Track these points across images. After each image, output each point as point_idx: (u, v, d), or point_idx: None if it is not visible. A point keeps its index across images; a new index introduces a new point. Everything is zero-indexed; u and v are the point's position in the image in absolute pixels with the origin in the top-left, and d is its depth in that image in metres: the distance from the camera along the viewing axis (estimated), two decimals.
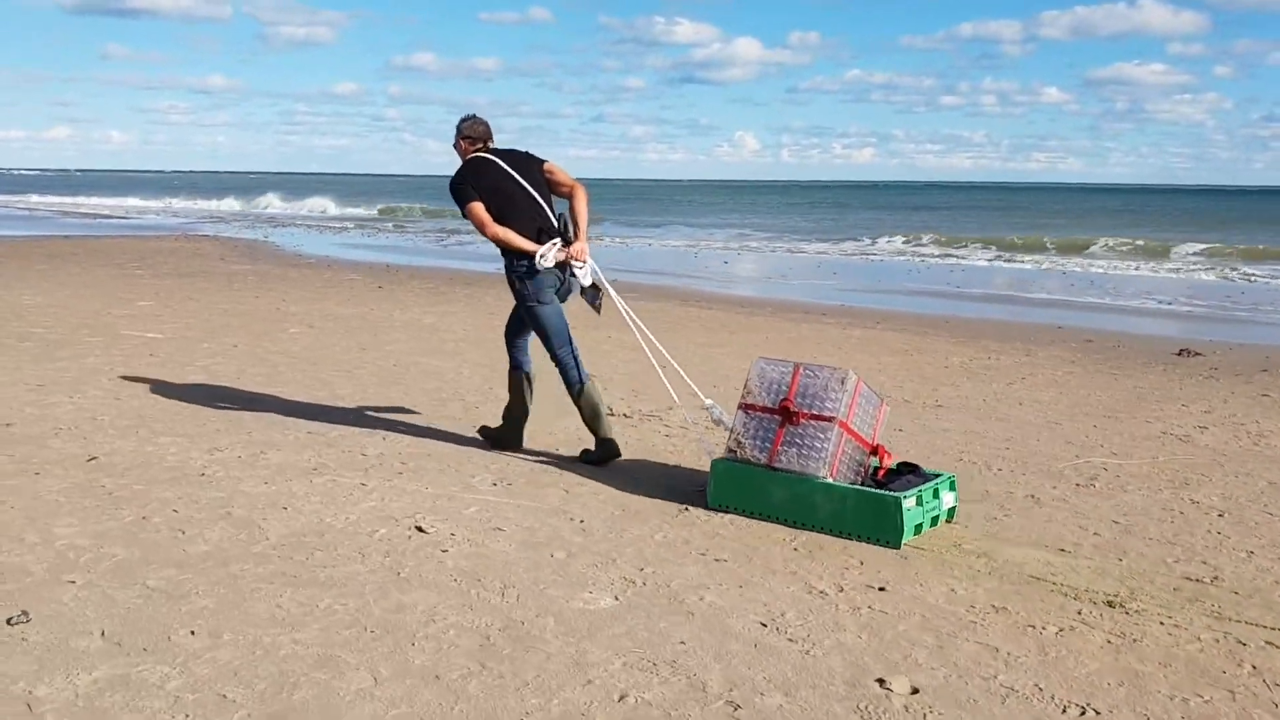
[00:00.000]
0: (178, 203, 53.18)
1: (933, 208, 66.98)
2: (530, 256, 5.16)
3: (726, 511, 4.69)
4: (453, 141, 5.49)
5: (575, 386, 5.37)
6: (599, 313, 5.46)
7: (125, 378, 7.55)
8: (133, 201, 53.14)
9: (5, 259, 17.87)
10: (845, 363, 9.13)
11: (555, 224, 5.27)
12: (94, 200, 51.89)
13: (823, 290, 16.94)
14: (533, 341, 5.57)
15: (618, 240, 31.06)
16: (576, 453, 5.62)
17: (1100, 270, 22.29)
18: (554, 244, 5.18)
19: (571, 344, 5.37)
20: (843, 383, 4.56)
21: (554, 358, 5.38)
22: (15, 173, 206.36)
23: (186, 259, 19.12)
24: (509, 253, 5.23)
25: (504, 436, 5.70)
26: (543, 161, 5.39)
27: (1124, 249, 27.93)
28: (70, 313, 11.05)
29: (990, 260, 24.79)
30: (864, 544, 4.33)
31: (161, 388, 7.21)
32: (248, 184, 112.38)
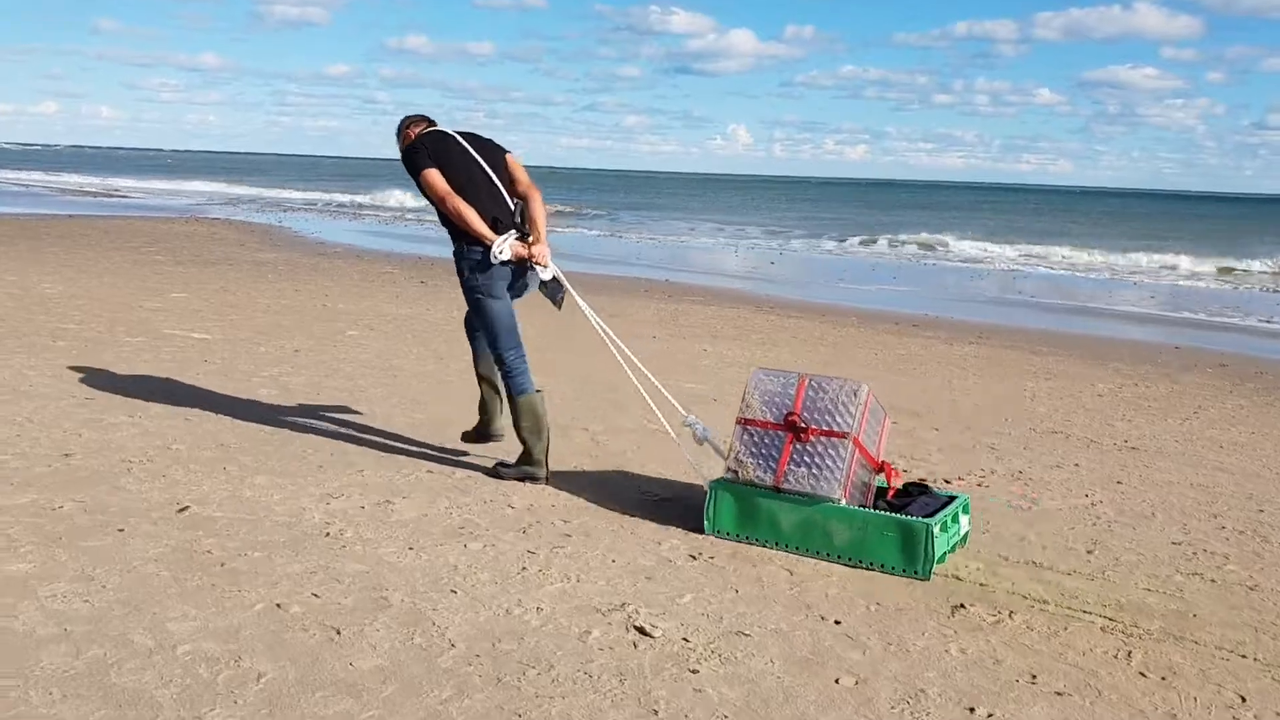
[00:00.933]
0: (179, 184, 51.91)
1: (954, 207, 66.05)
2: (485, 245, 4.69)
3: (725, 539, 4.24)
4: (398, 146, 5.01)
5: (521, 394, 4.85)
6: (559, 308, 4.94)
7: (187, 390, 6.53)
8: (128, 181, 51.82)
9: (13, 238, 16.76)
10: (996, 390, 8.16)
11: (514, 216, 4.81)
12: (94, 179, 50.52)
13: (897, 296, 15.95)
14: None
15: (649, 236, 30.01)
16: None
17: (1179, 282, 21.34)
18: (510, 235, 4.73)
19: (521, 347, 4.90)
20: (855, 395, 4.18)
21: (499, 359, 4.91)
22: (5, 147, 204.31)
23: (205, 244, 18.04)
24: (461, 237, 4.76)
25: (482, 431, 5.21)
26: (506, 151, 4.96)
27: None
28: (100, 305, 10.01)
29: (1049, 266, 23.74)
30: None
31: (232, 405, 6.19)
32: (242, 165, 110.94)
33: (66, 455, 4.94)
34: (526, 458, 4.91)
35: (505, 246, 4.69)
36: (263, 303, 10.90)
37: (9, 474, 4.59)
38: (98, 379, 6.67)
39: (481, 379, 5.12)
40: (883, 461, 4.29)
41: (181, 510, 4.28)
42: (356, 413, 6.21)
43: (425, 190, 4.78)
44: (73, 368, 6.96)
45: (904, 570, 3.92)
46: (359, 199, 42.44)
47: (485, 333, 4.92)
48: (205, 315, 9.78)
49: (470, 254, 4.75)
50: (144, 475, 4.72)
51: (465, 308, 5.02)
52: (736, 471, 4.27)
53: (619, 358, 5.01)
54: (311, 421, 5.91)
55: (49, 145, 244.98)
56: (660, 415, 4.91)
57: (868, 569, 3.97)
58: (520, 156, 5.01)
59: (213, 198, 38.86)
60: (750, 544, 4.21)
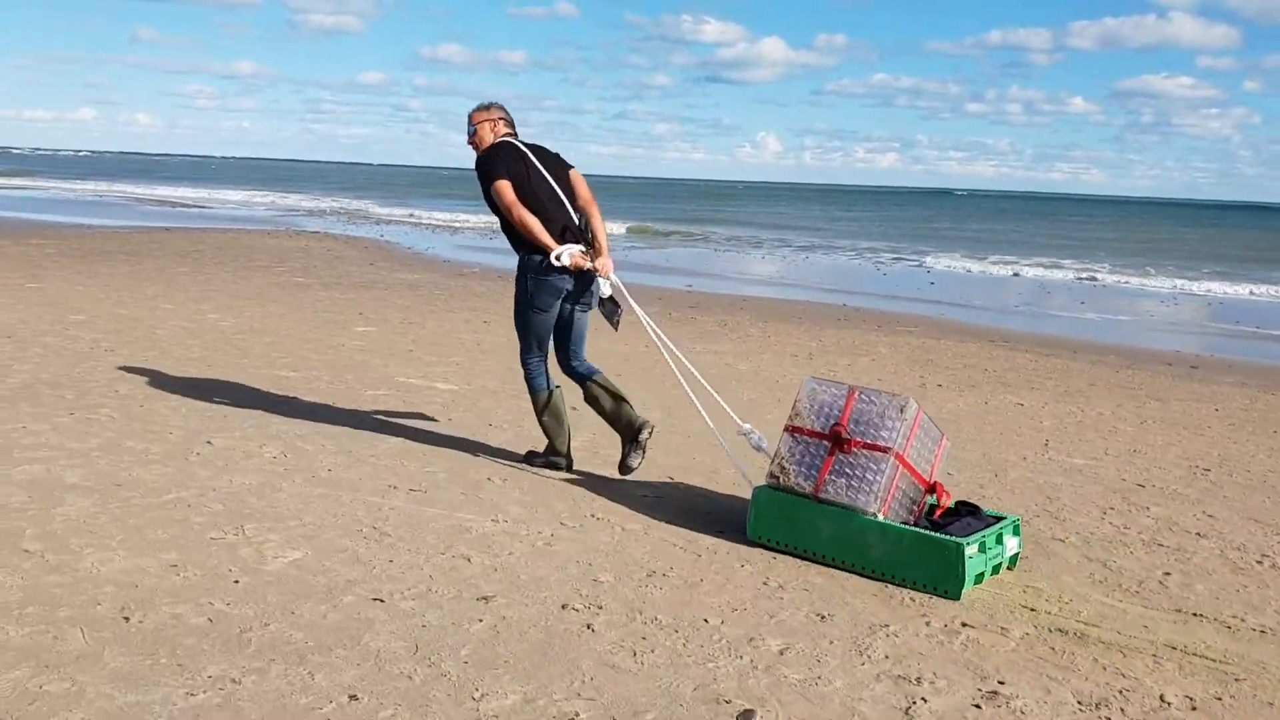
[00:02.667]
0: (242, 193, 51.31)
1: (1015, 217, 64.18)
2: (546, 254, 4.96)
3: (765, 546, 4.32)
4: (469, 132, 5.26)
5: (537, 394, 5.25)
6: (615, 328, 5.25)
7: (500, 465, 5.34)
8: (193, 191, 51.24)
9: (134, 256, 15.75)
10: None
11: (578, 229, 5.10)
12: (160, 190, 49.90)
13: (1117, 328, 14.53)
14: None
15: (771, 250, 28.71)
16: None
17: None
18: (572, 247, 5.00)
19: (543, 357, 5.26)
20: (902, 411, 4.21)
21: (523, 362, 5.29)
22: (43, 152, 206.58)
23: (333, 263, 16.94)
24: (525, 247, 5.07)
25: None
26: (570, 166, 5.24)
27: None
28: (293, 342, 8.88)
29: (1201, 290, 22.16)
30: None
31: (575, 498, 4.96)
32: (292, 173, 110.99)
33: (484, 599, 3.71)
34: (551, 449, 5.32)
35: (565, 254, 4.93)
36: (468, 339, 9.71)
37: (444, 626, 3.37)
38: (380, 452, 5.47)
39: (590, 398, 5.26)
40: (935, 481, 4.31)
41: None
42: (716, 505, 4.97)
43: (494, 199, 5.05)
44: (335, 431, 5.76)
45: (935, 589, 3.92)
46: (436, 214, 41.54)
47: (519, 337, 5.26)
48: (422, 356, 8.60)
49: (533, 264, 5.02)
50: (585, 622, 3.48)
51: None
52: (779, 477, 4.32)
53: (673, 366, 5.25)
54: (682, 523, 4.67)
55: (77, 151, 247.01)
56: (711, 425, 5.08)
57: (900, 585, 3.98)
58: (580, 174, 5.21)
59: (289, 210, 37.82)
60: (789, 552, 4.25)
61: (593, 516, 4.66)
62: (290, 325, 9.89)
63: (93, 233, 20.39)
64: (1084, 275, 23.85)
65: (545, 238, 4.95)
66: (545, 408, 5.26)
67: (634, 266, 20.56)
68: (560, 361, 5.30)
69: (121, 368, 7.33)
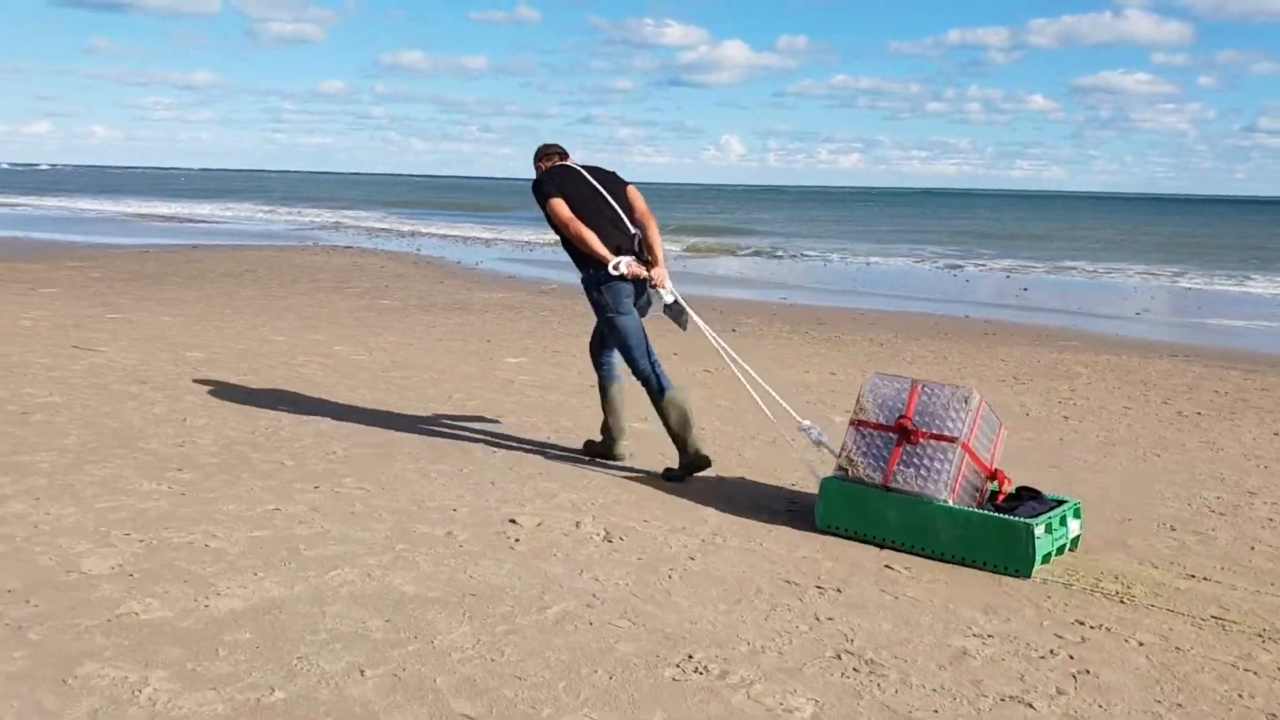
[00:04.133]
0: (229, 207, 50.02)
1: (999, 216, 63.85)
2: (604, 264, 5.18)
3: (834, 534, 4.49)
4: (534, 186, 5.47)
5: (659, 394, 5.33)
6: (684, 329, 5.49)
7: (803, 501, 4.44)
8: (179, 208, 49.91)
9: (187, 279, 14.69)
10: None
11: (634, 244, 5.32)
12: (145, 205, 48.52)
13: (1245, 334, 13.80)
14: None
15: (826, 257, 27.91)
16: None
17: None
18: (628, 257, 5.24)
19: (651, 354, 5.37)
20: (966, 401, 4.39)
21: (635, 370, 5.39)
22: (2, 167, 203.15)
23: (402, 282, 15.96)
24: (585, 263, 5.30)
25: (605, 452, 5.64)
26: (627, 183, 5.48)
27: None
28: (458, 379, 8.03)
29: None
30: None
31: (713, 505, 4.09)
32: (265, 184, 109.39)
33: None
34: (689, 455, 5.30)
35: (622, 263, 5.17)
36: None
37: None
38: (722, 522, 4.57)
39: (607, 403, 5.54)
40: (996, 469, 4.47)
41: None
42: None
43: (550, 218, 5.32)
44: (658, 505, 4.85)
45: (1005, 569, 4.09)
46: (458, 227, 40.46)
47: (620, 349, 5.39)
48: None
49: (596, 276, 5.25)
50: None
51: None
52: (847, 470, 4.50)
53: (735, 370, 5.40)
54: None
55: (33, 165, 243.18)
56: (776, 423, 5.39)
57: (970, 565, 4.15)
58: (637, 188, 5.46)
59: (302, 224, 36.55)
60: (859, 540, 4.41)
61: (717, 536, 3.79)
62: (433, 358, 8.95)
63: (121, 253, 19.27)
64: (1176, 275, 22.97)
65: (601, 249, 5.20)
66: (672, 410, 5.30)
67: (703, 279, 19.71)
68: (605, 359, 5.58)
69: (302, 415, 6.41)
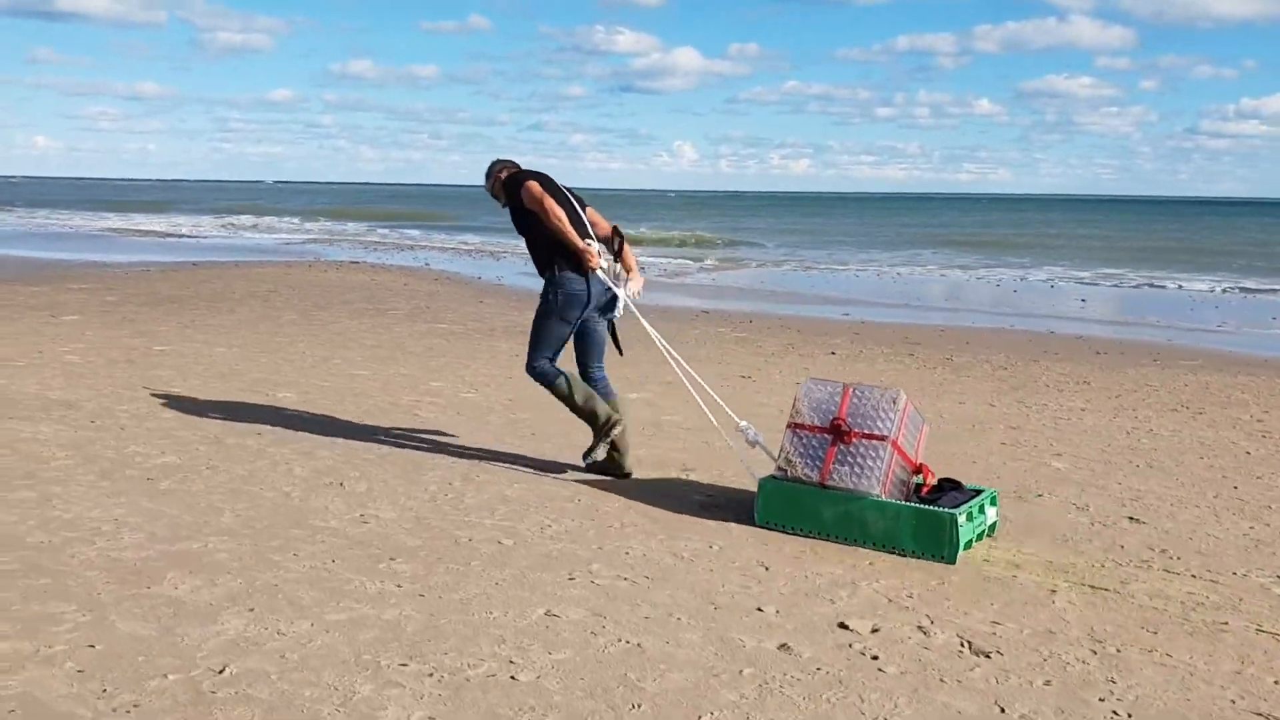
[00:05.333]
0: (198, 219, 48.63)
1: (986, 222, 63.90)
2: (568, 265, 5.37)
3: (773, 529, 4.75)
4: (488, 185, 5.76)
5: (554, 380, 5.54)
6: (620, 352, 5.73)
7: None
8: (152, 221, 48.46)
9: (211, 300, 13.66)
10: None
11: (611, 245, 5.56)
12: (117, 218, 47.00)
13: None
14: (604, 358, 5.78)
15: (858, 267, 27.25)
16: None
17: None
18: (595, 244, 5.45)
19: (554, 359, 5.56)
20: (894, 402, 4.71)
21: (531, 367, 5.56)
22: None
23: (443, 302, 15.03)
24: (554, 263, 5.41)
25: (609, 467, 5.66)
26: (586, 205, 5.68)
27: None
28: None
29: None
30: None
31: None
32: (223, 194, 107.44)
33: None
34: (598, 427, 5.49)
35: (604, 261, 5.42)
36: (775, 401, 7.96)
37: None
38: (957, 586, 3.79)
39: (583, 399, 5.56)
40: (920, 463, 4.84)
41: None
42: None
43: (527, 201, 5.38)
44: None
45: (932, 555, 4.42)
46: (433, 234, 39.46)
47: (532, 339, 5.55)
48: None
49: (563, 281, 5.39)
50: None
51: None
52: (786, 470, 4.80)
53: (678, 371, 5.69)
54: None
55: None
56: (716, 423, 5.54)
57: (900, 554, 4.46)
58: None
59: (294, 239, 35.27)
60: (795, 534, 4.71)
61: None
62: (548, 395, 8.06)
63: (122, 272, 18.12)
64: (1228, 286, 22.47)
65: (575, 236, 5.33)
66: (571, 391, 5.51)
67: (741, 293, 18.95)
68: (580, 370, 5.68)
69: (468, 474, 5.55)
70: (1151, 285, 23.09)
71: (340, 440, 6.31)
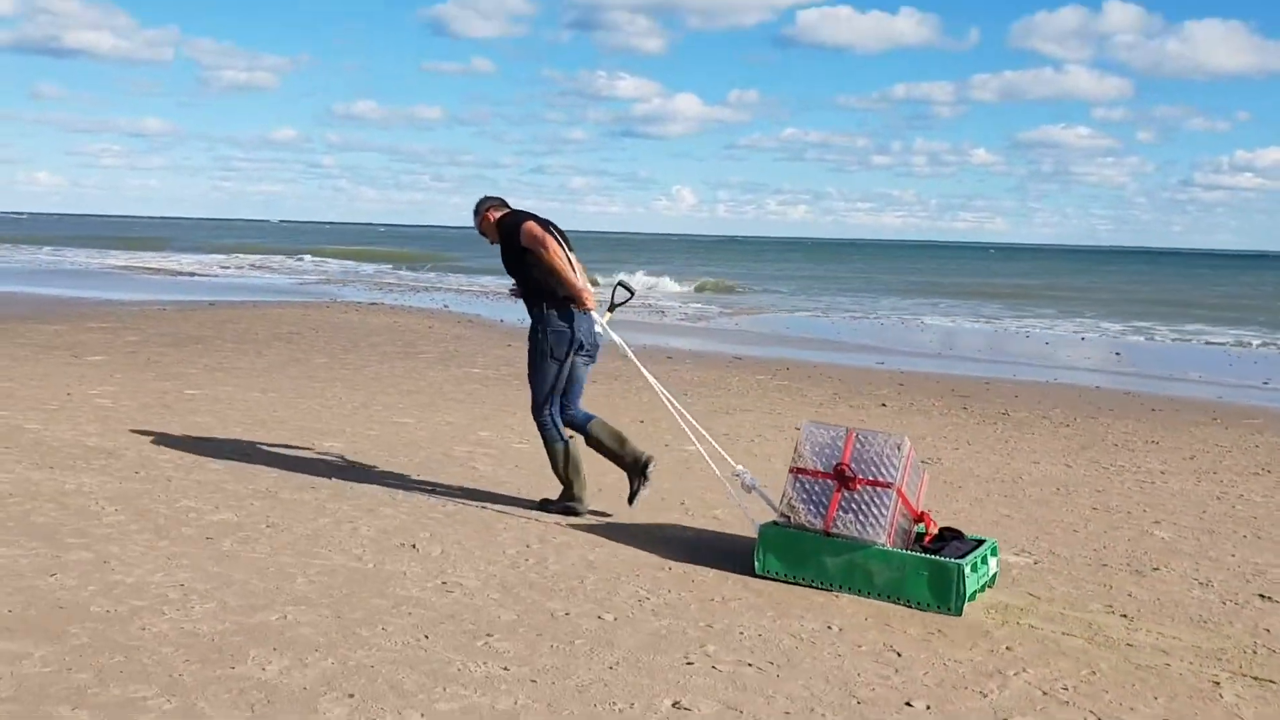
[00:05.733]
0: (203, 259, 48.57)
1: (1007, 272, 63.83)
2: (565, 304, 5.49)
3: (773, 579, 4.66)
4: (476, 223, 5.81)
5: (557, 444, 5.63)
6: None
7: None
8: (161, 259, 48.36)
9: (237, 342, 13.35)
10: None
11: (612, 294, 5.87)
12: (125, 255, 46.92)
13: None
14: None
15: (903, 315, 26.99)
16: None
17: None
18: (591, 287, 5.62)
19: (557, 406, 5.64)
20: (899, 449, 4.63)
21: (538, 412, 5.67)
22: None
23: (471, 346, 14.73)
24: (553, 308, 5.52)
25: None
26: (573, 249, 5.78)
27: None
28: (675, 478, 6.75)
29: None
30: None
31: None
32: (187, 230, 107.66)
33: None
34: (567, 494, 5.69)
35: (600, 307, 5.67)
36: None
37: None
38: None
39: (593, 444, 5.66)
40: (922, 511, 4.78)
41: None
42: None
43: (525, 241, 5.48)
44: None
45: (938, 607, 4.35)
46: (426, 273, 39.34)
47: (532, 388, 5.68)
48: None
49: (557, 325, 5.53)
50: None
51: None
52: (789, 516, 4.70)
53: (677, 417, 5.62)
54: None
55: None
56: (715, 467, 5.56)
57: (905, 605, 4.39)
58: None
59: (307, 279, 35.08)
60: (798, 584, 4.61)
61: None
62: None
63: (138, 311, 17.83)
64: (1264, 340, 22.06)
65: (576, 280, 5.47)
66: (567, 460, 5.65)
67: (771, 340, 18.66)
68: (559, 410, 5.69)
69: (541, 534, 5.19)
70: (1182, 338, 22.79)
71: (401, 495, 5.98)
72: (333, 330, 15.75)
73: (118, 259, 41.66)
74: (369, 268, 45.06)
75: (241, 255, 51.18)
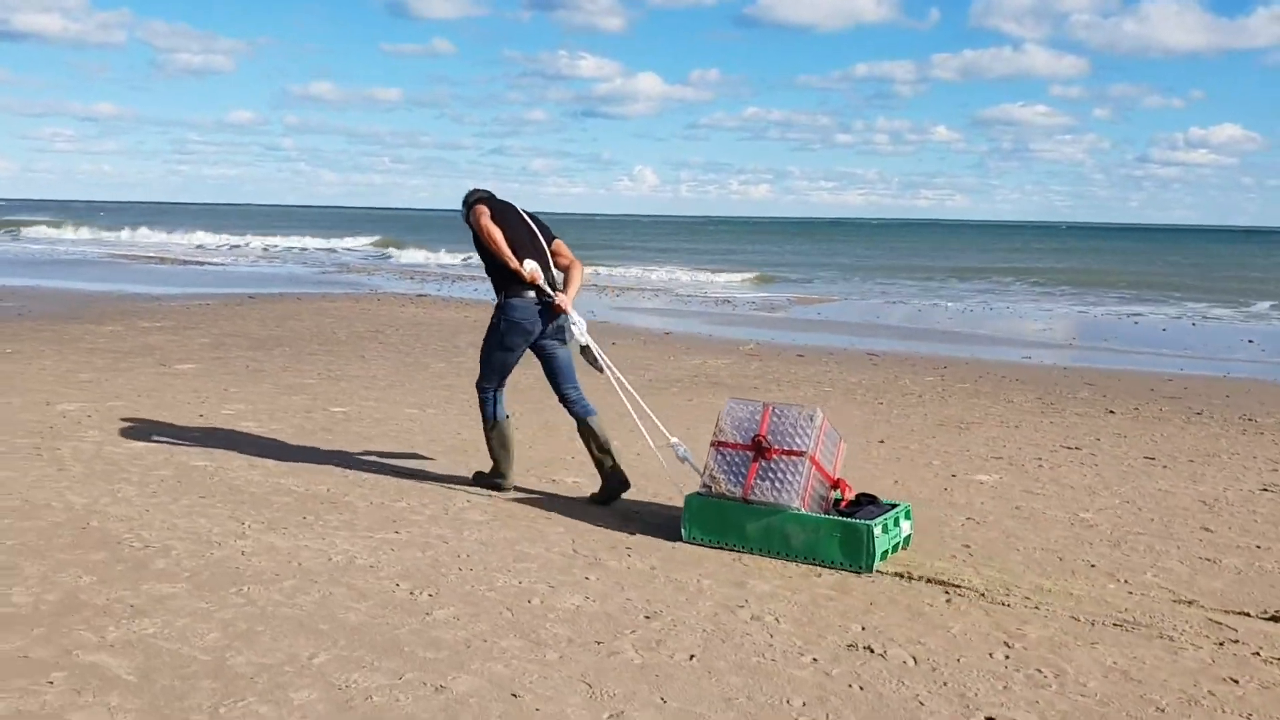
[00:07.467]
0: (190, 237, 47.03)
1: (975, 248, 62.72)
2: (516, 289, 5.56)
3: (699, 544, 4.92)
4: (464, 214, 5.80)
5: (489, 421, 5.82)
6: (601, 371, 5.74)
7: None
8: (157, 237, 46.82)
9: (335, 344, 12.13)
10: None
11: (555, 279, 5.69)
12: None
13: None
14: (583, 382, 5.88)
15: (980, 298, 25.93)
16: None
17: None
18: (537, 266, 5.56)
19: (501, 388, 5.82)
20: (812, 420, 4.91)
21: (479, 386, 5.84)
22: None
23: None
24: (500, 286, 5.63)
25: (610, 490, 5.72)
26: (556, 236, 5.86)
27: None
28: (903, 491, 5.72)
29: None
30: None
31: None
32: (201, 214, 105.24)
33: None
34: (495, 470, 5.88)
35: (529, 265, 5.51)
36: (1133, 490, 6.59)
37: None
38: None
39: (583, 436, 5.75)
40: (838, 478, 5.03)
41: None
42: None
43: (470, 221, 5.67)
44: None
45: (850, 566, 4.63)
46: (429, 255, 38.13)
47: (481, 364, 5.83)
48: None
49: (510, 306, 5.59)
50: None
51: None
52: (710, 486, 4.98)
53: (619, 391, 5.76)
54: None
55: None
56: (649, 439, 5.74)
57: (821, 565, 4.68)
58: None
59: (316, 266, 33.32)
60: (722, 548, 4.88)
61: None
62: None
63: (178, 306, 16.48)
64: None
65: (510, 255, 5.50)
66: (493, 432, 5.80)
67: (829, 327, 17.59)
68: (559, 398, 5.81)
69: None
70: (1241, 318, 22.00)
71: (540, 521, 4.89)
72: (412, 328, 14.56)
73: (109, 246, 39.90)
74: (357, 255, 43.54)
75: (231, 237, 49.40)
